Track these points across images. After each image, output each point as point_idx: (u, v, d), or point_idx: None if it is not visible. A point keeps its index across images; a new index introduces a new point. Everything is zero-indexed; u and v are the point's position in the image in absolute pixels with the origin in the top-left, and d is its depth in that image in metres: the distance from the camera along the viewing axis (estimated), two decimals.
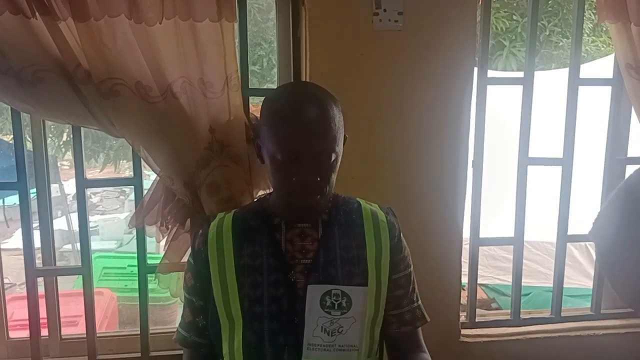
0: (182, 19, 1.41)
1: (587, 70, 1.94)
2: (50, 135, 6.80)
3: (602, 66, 3.81)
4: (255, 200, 1.44)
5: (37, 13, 1.34)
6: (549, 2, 7.17)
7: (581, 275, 3.90)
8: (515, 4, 7.39)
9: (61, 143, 7.18)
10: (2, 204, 6.12)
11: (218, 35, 1.44)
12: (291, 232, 1.19)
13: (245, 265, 1.16)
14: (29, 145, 1.70)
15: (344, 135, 1.16)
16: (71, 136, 1.65)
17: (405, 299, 1.25)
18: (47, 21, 1.34)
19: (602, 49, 7.07)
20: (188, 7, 1.41)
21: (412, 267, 1.27)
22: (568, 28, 7.15)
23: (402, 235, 1.25)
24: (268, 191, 1.58)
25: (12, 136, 1.61)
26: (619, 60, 1.79)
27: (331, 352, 1.13)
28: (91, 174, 6.91)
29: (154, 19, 1.39)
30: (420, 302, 1.29)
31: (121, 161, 7.27)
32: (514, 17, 7.29)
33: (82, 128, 1.61)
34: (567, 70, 1.91)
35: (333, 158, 1.11)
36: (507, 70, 7.00)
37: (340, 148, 1.13)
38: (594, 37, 7.16)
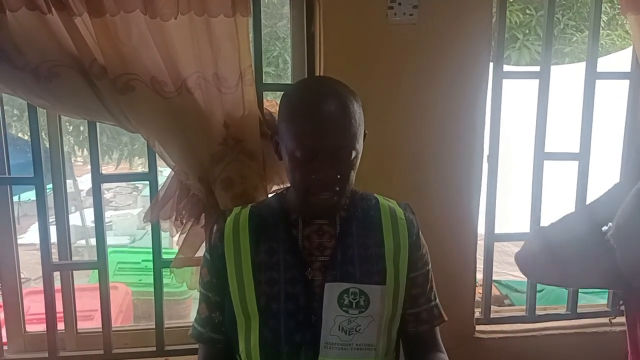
0: (197, 14, 1.41)
1: (603, 63, 1.91)
2: (67, 133, 6.84)
3: (618, 60, 3.76)
4: (271, 195, 1.44)
5: (53, 9, 1.34)
6: None
7: None
8: None
9: (75, 141, 7.22)
10: (17, 200, 6.19)
11: (232, 30, 1.44)
12: (308, 229, 1.18)
13: (261, 261, 1.15)
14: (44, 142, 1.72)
15: (364, 132, 1.14)
16: (85, 134, 1.66)
17: (423, 297, 1.24)
18: (63, 17, 1.35)
19: (618, 42, 6.98)
20: (203, 3, 1.41)
21: (430, 265, 1.25)
22: (582, 22, 7.06)
23: (420, 233, 1.23)
24: (282, 186, 1.57)
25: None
26: (637, 53, 1.77)
27: (348, 351, 1.12)
28: (105, 170, 6.95)
29: (169, 15, 1.39)
30: (437, 300, 1.27)
31: (135, 158, 7.31)
32: (528, 11, 7.21)
33: (97, 123, 1.62)
34: (580, 64, 1.90)
35: (353, 155, 1.09)
36: (521, 64, 6.94)
37: (360, 145, 1.11)
38: (609, 31, 7.06)
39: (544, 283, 1.34)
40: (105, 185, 1.89)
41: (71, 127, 6.79)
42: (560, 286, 1.34)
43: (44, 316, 1.71)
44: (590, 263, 1.15)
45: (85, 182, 7.27)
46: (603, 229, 1.15)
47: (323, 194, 1.09)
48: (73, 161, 8.36)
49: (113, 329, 1.78)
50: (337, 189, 1.10)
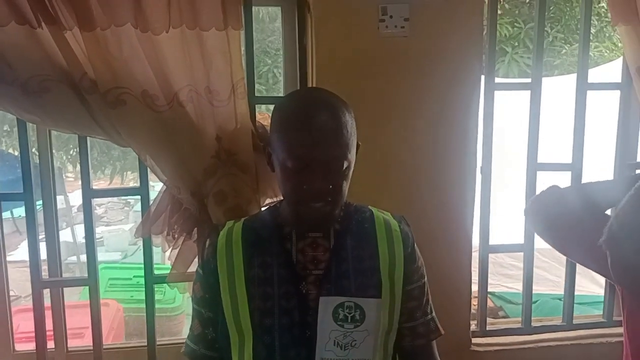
0: (188, 27, 1.41)
1: (592, 75, 1.93)
2: (58, 148, 6.81)
3: (607, 71, 3.79)
4: (264, 209, 1.42)
5: (43, 23, 1.33)
6: (551, 8, 7.17)
7: (590, 283, 3.86)
8: (517, 11, 7.40)
9: (68, 156, 7.18)
10: (10, 216, 6.13)
11: (224, 44, 1.44)
12: (302, 242, 1.16)
13: (255, 276, 1.13)
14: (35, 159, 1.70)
15: (357, 143, 1.13)
16: (77, 150, 1.65)
17: (419, 311, 1.22)
18: (53, 31, 1.34)
19: (606, 54, 7.06)
20: (194, 16, 1.41)
21: (425, 278, 1.24)
22: (571, 34, 7.14)
23: (415, 245, 1.22)
24: (275, 200, 1.56)
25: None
26: (629, 64, 1.78)
27: None
28: (97, 185, 6.89)
29: (160, 28, 1.39)
30: (434, 314, 1.25)
31: (127, 172, 7.27)
32: (517, 24, 7.30)
33: (88, 139, 1.60)
34: (570, 76, 1.91)
35: (345, 165, 1.08)
36: (510, 77, 6.99)
37: (352, 155, 1.10)
38: (597, 43, 7.14)
39: (552, 246, 1.34)
40: (96, 201, 1.88)
41: (62, 142, 6.75)
42: (562, 253, 1.36)
43: (33, 334, 1.68)
44: (586, 246, 1.15)
45: (76, 197, 7.19)
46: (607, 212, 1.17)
47: (315, 204, 1.08)
48: (64, 177, 8.30)
49: (104, 347, 1.75)
50: (329, 199, 1.08)
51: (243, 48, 1.56)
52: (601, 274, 1.30)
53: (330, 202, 1.09)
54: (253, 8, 1.61)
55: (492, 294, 4.37)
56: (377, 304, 1.13)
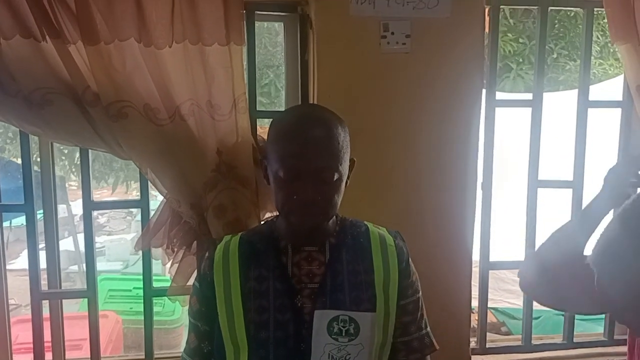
0: (191, 43, 1.42)
1: (595, 92, 1.93)
2: (63, 157, 6.84)
3: (610, 88, 3.79)
4: (262, 223, 1.43)
5: (47, 36, 1.35)
6: (556, 25, 7.19)
7: None
8: (522, 27, 7.41)
9: (72, 165, 7.20)
10: (9, 225, 6.14)
11: (226, 59, 1.45)
12: (298, 256, 1.17)
13: (251, 289, 1.14)
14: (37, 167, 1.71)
15: (352, 159, 1.15)
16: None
17: (414, 325, 1.22)
18: (57, 44, 1.36)
19: (610, 71, 7.06)
20: (197, 31, 1.42)
21: (420, 293, 1.24)
22: (575, 51, 7.14)
23: (410, 260, 1.22)
24: (275, 214, 1.56)
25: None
26: (629, 82, 1.78)
27: None
28: (99, 195, 6.91)
29: (163, 43, 1.40)
30: (429, 329, 1.26)
31: (131, 182, 7.28)
32: (521, 40, 7.31)
33: (90, 150, 1.61)
34: (574, 92, 1.91)
35: (336, 177, 1.09)
36: (515, 92, 6.99)
37: (344, 168, 1.11)
38: (601, 60, 7.14)
39: (544, 305, 1.31)
40: (99, 210, 1.88)
41: (66, 151, 6.77)
42: (559, 309, 1.31)
43: (32, 345, 1.68)
44: (581, 287, 1.13)
45: (79, 206, 7.19)
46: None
47: (305, 215, 1.09)
48: (67, 185, 8.32)
49: (102, 359, 1.74)
50: (319, 210, 1.10)
51: (245, 63, 1.58)
52: (603, 312, 1.22)
53: (321, 213, 1.10)
54: (256, 23, 1.62)
55: (495, 309, 4.34)
56: (371, 318, 1.13)
